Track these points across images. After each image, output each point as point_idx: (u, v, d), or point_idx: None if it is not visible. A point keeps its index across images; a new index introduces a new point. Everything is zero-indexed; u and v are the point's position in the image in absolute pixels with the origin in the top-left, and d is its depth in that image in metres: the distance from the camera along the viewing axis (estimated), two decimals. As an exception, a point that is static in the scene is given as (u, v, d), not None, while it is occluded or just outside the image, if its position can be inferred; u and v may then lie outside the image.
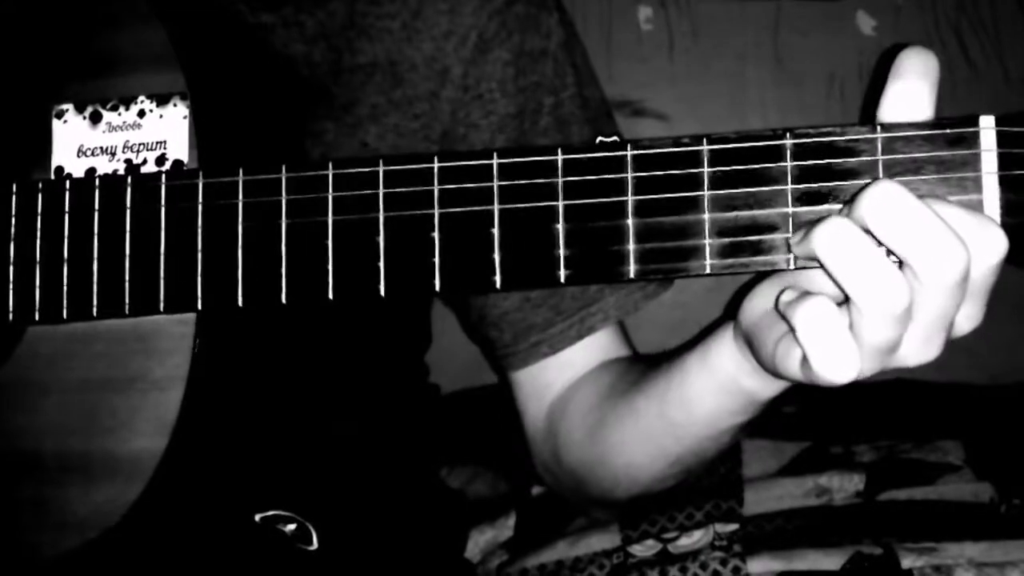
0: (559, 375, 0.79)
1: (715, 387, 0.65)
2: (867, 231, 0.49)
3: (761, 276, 0.59)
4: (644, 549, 0.83)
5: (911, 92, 0.52)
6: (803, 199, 0.53)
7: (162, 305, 0.62)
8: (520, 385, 0.82)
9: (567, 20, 0.80)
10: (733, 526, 0.83)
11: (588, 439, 0.76)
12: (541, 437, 0.82)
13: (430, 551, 0.87)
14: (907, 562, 0.75)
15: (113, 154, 0.65)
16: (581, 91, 0.78)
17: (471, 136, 0.76)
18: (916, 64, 0.52)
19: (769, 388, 0.63)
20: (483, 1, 0.75)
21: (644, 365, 0.75)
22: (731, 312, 0.63)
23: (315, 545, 0.75)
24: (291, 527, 0.74)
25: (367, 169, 0.58)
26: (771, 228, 0.53)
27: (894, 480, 0.87)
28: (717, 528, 0.83)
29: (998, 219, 0.51)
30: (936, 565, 0.74)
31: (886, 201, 0.48)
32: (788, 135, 0.53)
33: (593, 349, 0.79)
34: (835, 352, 0.50)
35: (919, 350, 0.52)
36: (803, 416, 1.02)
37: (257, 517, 0.74)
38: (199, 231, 0.61)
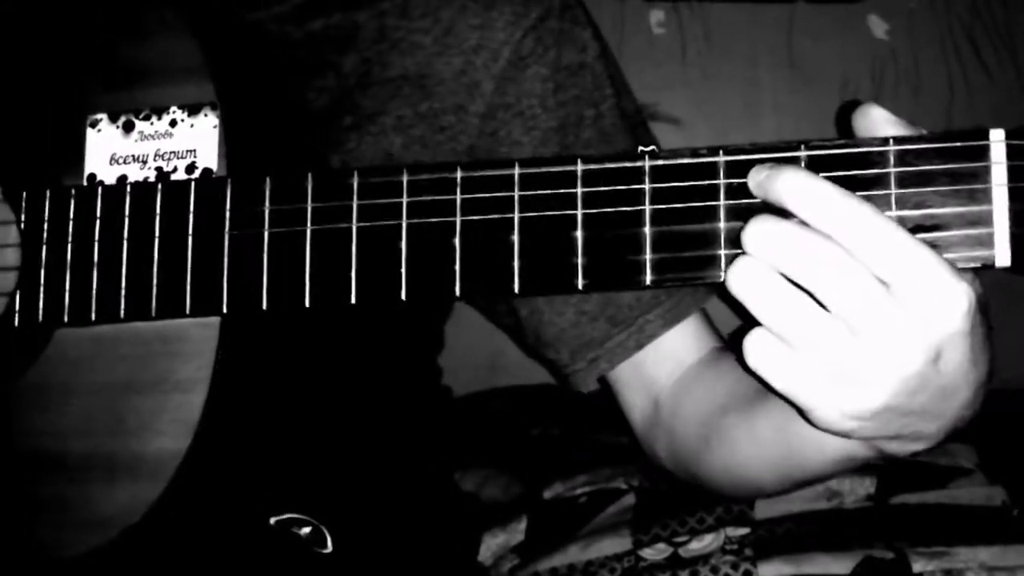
0: (660, 368, 0.78)
1: (855, 441, 0.61)
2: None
3: None
4: (655, 553, 0.83)
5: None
6: None
7: (188, 308, 0.63)
8: (623, 382, 0.80)
9: (599, 34, 0.80)
10: (744, 530, 0.83)
11: (705, 447, 0.75)
12: (650, 430, 0.81)
13: (443, 554, 0.88)
14: (918, 566, 0.75)
15: (144, 162, 0.66)
16: (619, 102, 0.79)
17: (514, 153, 0.76)
18: (878, 119, 0.54)
19: (908, 448, 0.60)
20: (516, 17, 0.75)
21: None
22: None
23: (330, 548, 0.75)
24: (306, 530, 0.75)
25: (391, 178, 0.59)
26: None
27: (906, 484, 0.87)
28: (728, 532, 0.83)
29: (1008, 230, 0.52)
30: (947, 569, 0.74)
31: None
32: (803, 147, 0.54)
33: (685, 338, 0.78)
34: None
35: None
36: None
37: (272, 520, 0.75)
38: (226, 236, 0.62)
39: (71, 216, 0.66)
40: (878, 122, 0.54)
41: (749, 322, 0.54)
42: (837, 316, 0.52)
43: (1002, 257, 0.52)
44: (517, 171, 0.57)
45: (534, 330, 0.79)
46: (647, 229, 0.55)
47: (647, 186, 0.55)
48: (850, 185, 0.53)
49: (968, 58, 1.11)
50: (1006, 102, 1.09)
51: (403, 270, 0.58)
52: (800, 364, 0.53)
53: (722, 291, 0.55)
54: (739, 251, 0.54)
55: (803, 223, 0.52)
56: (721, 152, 0.55)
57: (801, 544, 0.80)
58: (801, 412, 0.57)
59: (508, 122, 0.76)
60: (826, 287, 0.51)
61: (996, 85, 1.10)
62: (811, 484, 0.74)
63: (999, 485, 0.85)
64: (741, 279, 0.53)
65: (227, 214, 0.62)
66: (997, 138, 0.52)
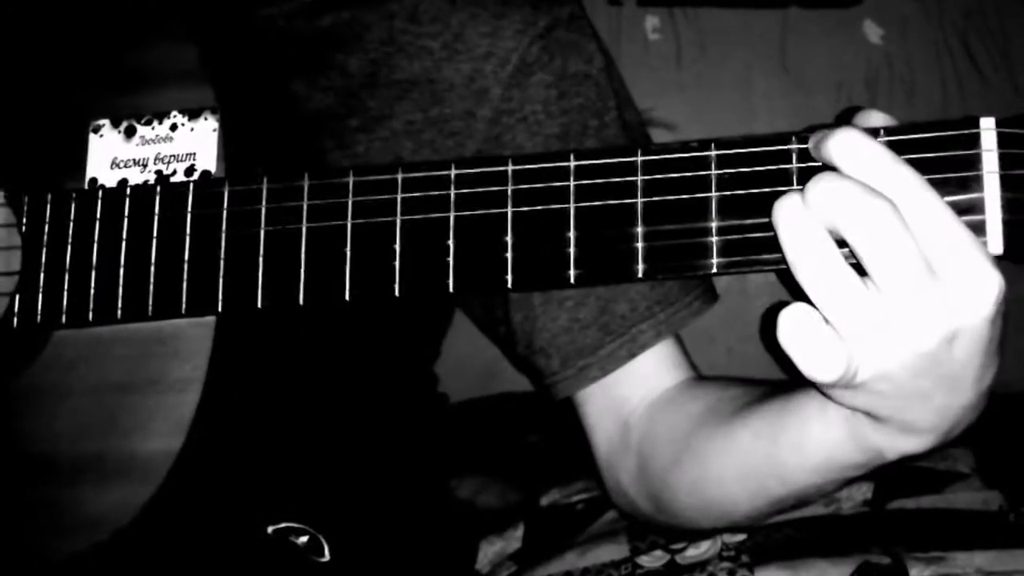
0: (634, 389, 0.77)
1: (840, 437, 0.61)
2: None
3: None
4: (652, 560, 0.83)
5: None
6: None
7: (184, 308, 0.63)
8: (591, 402, 0.79)
9: (605, 48, 0.81)
10: (741, 536, 0.83)
11: (676, 467, 0.74)
12: (616, 456, 0.80)
13: (440, 562, 0.87)
14: (915, 571, 0.74)
15: (145, 166, 0.67)
16: (622, 114, 0.79)
17: None
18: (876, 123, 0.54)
19: (897, 445, 0.59)
20: (525, 26, 0.76)
21: (743, 395, 0.72)
22: None
23: (327, 557, 0.75)
24: (303, 539, 0.75)
25: (386, 175, 0.59)
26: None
27: (903, 488, 0.87)
28: (725, 538, 0.83)
29: (1000, 218, 0.52)
30: (945, 574, 0.74)
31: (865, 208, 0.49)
32: (794, 139, 0.54)
33: (663, 361, 0.77)
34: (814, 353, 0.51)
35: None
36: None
37: (269, 529, 0.74)
38: (222, 235, 0.62)
39: (71, 219, 0.66)
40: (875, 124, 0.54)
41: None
42: (877, 281, 0.50)
43: (994, 245, 0.52)
44: (511, 167, 0.57)
45: (527, 336, 0.79)
46: (639, 220, 0.56)
47: (639, 179, 0.56)
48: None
49: (962, 62, 1.11)
50: (1000, 106, 1.09)
51: (397, 266, 0.58)
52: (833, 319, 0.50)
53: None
54: (730, 238, 0.55)
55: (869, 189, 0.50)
56: (713, 145, 0.55)
57: (798, 549, 0.80)
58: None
59: (512, 127, 0.77)
60: (879, 253, 0.49)
61: (990, 89, 1.10)
62: (787, 506, 0.71)
63: (996, 489, 0.85)
64: (791, 221, 0.50)
65: (224, 213, 0.62)
66: (988, 126, 0.52)
